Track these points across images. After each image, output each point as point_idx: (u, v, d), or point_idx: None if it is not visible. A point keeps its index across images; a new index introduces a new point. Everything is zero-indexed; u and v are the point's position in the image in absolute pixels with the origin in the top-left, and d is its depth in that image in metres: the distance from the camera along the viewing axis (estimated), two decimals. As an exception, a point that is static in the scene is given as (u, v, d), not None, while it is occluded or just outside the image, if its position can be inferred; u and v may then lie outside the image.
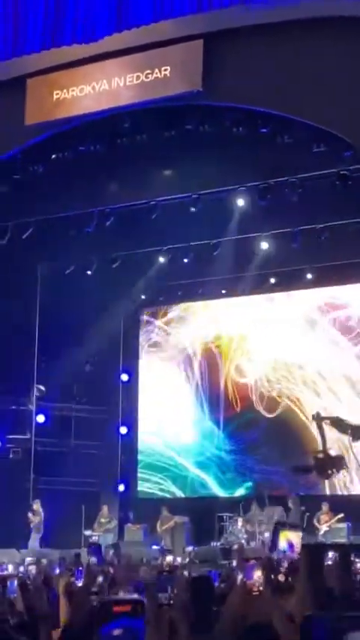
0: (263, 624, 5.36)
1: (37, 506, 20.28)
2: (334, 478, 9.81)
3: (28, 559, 14.65)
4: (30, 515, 20.15)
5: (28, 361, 22.07)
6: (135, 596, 5.98)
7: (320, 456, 10.46)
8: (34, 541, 20.06)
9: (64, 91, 16.84)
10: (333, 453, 10.51)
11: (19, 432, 21.71)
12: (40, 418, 22.28)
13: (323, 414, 12.00)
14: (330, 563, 6.36)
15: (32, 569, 10.76)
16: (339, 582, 5.71)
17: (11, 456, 21.40)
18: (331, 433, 11.21)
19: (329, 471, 10.31)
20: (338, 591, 5.62)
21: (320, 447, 10.66)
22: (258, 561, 7.96)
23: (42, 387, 21.70)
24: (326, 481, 19.37)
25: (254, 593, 6.83)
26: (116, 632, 2.24)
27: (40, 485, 21.59)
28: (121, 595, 6.72)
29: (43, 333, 22.18)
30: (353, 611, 4.82)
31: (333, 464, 10.26)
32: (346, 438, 10.90)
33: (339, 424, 11.07)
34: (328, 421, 11.18)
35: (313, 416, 11.38)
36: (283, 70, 15.28)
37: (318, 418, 11.13)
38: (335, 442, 11.69)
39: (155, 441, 23.53)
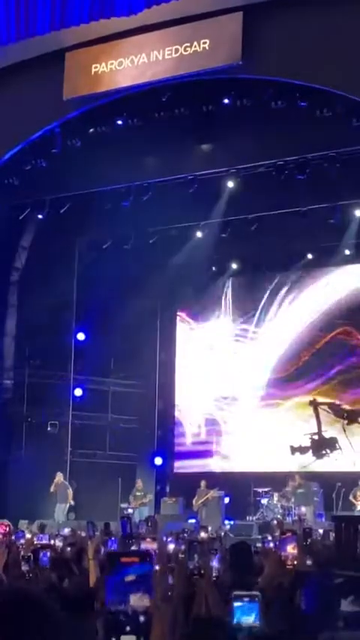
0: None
1: (58, 478, 20.43)
2: (327, 457, 10.48)
3: (66, 530, 14.78)
4: (52, 487, 20.34)
5: (67, 335, 22.21)
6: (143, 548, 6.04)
7: (315, 437, 10.98)
8: (60, 512, 20.24)
9: (103, 64, 16.81)
10: (327, 435, 11.05)
11: (57, 405, 21.88)
12: (78, 392, 22.45)
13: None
14: None
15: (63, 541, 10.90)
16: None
17: (49, 429, 21.59)
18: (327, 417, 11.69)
19: (323, 452, 10.84)
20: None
21: (316, 430, 11.21)
22: (293, 535, 8.00)
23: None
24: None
25: (288, 567, 6.86)
26: (129, 577, 2.27)
27: (76, 459, 21.78)
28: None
29: (80, 307, 22.29)
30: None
31: (327, 445, 10.78)
32: (341, 422, 11.41)
33: (334, 409, 11.62)
34: (325, 406, 11.75)
35: (310, 401, 11.90)
36: (323, 44, 15.11)
37: (314, 403, 11.68)
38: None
39: (192, 414, 23.58)
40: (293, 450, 15.32)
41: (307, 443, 10.81)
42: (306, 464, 19.40)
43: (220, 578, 5.97)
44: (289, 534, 8.60)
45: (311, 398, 13.21)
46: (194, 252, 21.96)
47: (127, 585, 2.36)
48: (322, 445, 10.42)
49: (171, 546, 8.78)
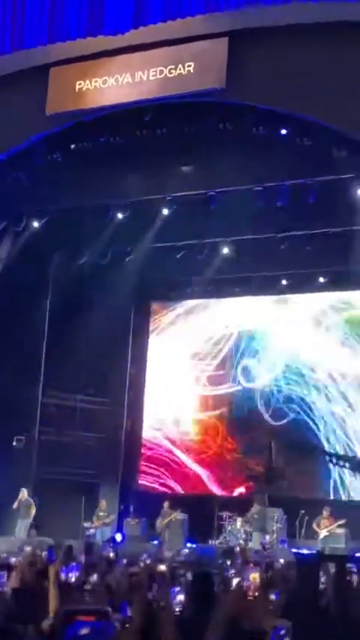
0: (257, 631, 5.35)
1: (22, 494, 20.23)
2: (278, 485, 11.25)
3: (27, 549, 14.65)
4: (15, 503, 20.13)
5: (37, 350, 22.06)
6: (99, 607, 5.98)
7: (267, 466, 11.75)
8: (21, 529, 20.03)
9: (87, 82, 16.80)
10: (278, 465, 11.88)
11: (24, 419, 21.70)
12: (45, 407, 22.28)
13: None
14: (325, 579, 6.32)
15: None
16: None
17: (15, 443, 21.40)
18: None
19: (273, 480, 11.72)
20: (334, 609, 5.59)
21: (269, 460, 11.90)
22: (255, 566, 7.98)
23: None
24: (330, 485, 20.19)
25: (249, 598, 6.81)
26: (83, 631, 2.23)
27: (42, 475, 21.61)
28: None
29: (53, 319, 22.17)
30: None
31: (277, 474, 11.58)
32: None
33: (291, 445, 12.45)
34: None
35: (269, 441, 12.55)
36: (307, 72, 15.19)
37: (269, 434, 12.31)
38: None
39: (158, 435, 23.54)
40: (249, 477, 16.26)
41: (261, 471, 11.18)
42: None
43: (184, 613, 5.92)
44: (251, 565, 8.58)
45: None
46: (170, 271, 22.02)
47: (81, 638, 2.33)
48: (272, 474, 10.93)
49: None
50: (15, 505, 20.12)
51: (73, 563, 9.31)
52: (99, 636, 2.14)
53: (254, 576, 8.78)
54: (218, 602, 6.45)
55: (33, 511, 20.23)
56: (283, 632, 5.54)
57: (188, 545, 19.28)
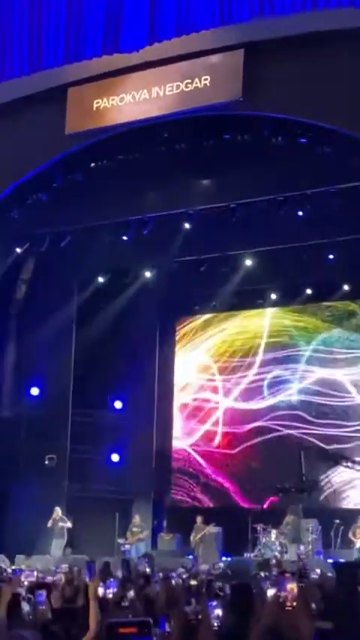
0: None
1: (56, 513, 20.25)
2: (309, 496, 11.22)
3: (64, 567, 14.66)
4: (50, 522, 20.16)
5: (65, 368, 22.15)
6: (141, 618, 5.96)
7: (300, 479, 11.66)
8: (56, 548, 20.05)
9: (105, 100, 16.90)
10: (310, 477, 11.81)
11: (55, 438, 21.76)
12: (76, 424, 22.32)
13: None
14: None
15: (62, 577, 10.80)
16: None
17: (47, 462, 21.46)
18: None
19: (305, 493, 11.64)
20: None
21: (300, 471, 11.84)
22: (292, 575, 7.92)
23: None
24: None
25: (287, 608, 6.77)
26: None
27: (74, 493, 21.63)
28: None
29: (79, 338, 22.26)
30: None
31: (309, 487, 11.52)
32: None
33: (322, 453, 12.28)
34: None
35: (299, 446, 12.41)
36: (323, 81, 15.20)
37: (302, 448, 12.20)
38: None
39: (188, 449, 23.51)
40: (277, 490, 16.09)
41: (291, 484, 11.13)
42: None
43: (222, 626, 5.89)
44: (287, 575, 8.51)
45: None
46: (195, 285, 22.05)
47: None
48: (304, 487, 10.91)
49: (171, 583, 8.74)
50: (49, 524, 20.14)
51: (111, 580, 9.31)
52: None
53: (291, 587, 8.70)
54: (257, 614, 6.42)
55: (67, 529, 20.24)
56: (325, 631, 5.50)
57: (223, 558, 19.19)
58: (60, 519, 20.20)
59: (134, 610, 7.53)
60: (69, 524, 20.21)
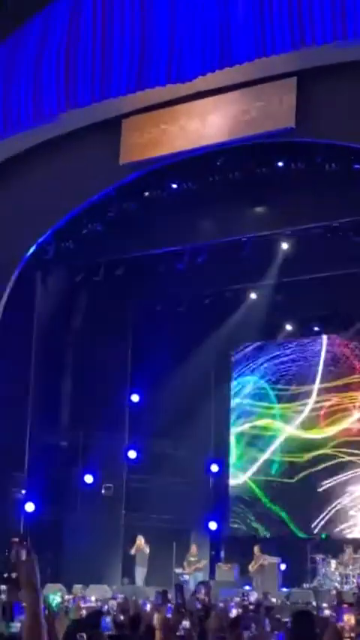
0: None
1: (140, 541, 20.27)
2: None
3: (120, 596, 14.62)
4: (133, 549, 20.15)
5: (121, 397, 22.22)
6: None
7: None
8: (140, 576, 20.07)
9: (158, 129, 17.02)
10: None
11: (112, 467, 21.79)
12: (132, 454, 22.34)
13: None
14: None
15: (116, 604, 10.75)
16: None
17: (104, 491, 21.48)
18: None
19: None
20: None
21: None
22: (350, 606, 7.80)
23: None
24: None
25: (346, 638, 6.67)
26: None
27: (131, 522, 21.60)
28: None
29: (135, 368, 22.34)
30: None
31: None
32: None
33: None
34: None
35: None
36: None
37: None
38: None
39: (245, 478, 23.33)
40: None
41: None
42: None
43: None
44: (346, 605, 8.38)
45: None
46: (249, 313, 21.99)
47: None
48: None
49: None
50: (133, 551, 20.18)
51: (168, 605, 9.26)
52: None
53: (348, 617, 8.60)
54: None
55: (147, 557, 20.27)
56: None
57: (283, 589, 18.96)
58: (143, 547, 20.21)
59: (191, 639, 7.45)
60: (148, 553, 20.23)
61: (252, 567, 19.92)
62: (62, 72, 16.41)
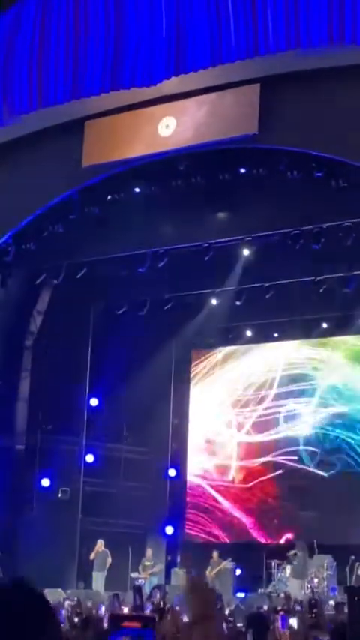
0: None
1: (99, 545, 20.22)
2: None
3: (75, 599, 14.55)
4: (92, 554, 20.10)
5: (80, 401, 22.13)
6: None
7: None
8: (99, 581, 19.98)
9: (121, 133, 17.02)
10: None
11: (69, 471, 21.68)
12: (90, 458, 22.26)
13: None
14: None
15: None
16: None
17: (60, 495, 21.37)
18: None
19: None
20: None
21: None
22: (293, 613, 7.85)
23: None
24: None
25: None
26: (124, 638, 2.22)
27: (87, 526, 21.50)
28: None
29: (94, 372, 22.26)
30: None
31: None
32: None
33: None
34: None
35: None
36: (339, 115, 15.27)
37: None
38: None
39: (202, 483, 23.36)
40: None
41: None
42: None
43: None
44: (295, 609, 8.41)
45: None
46: (209, 318, 22.05)
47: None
48: None
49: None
50: (92, 556, 20.12)
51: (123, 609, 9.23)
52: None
53: (292, 621, 8.69)
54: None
55: (109, 562, 20.17)
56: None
57: (238, 594, 19.00)
58: (103, 552, 20.14)
59: None
60: (110, 558, 20.17)
61: (209, 572, 19.94)
62: (34, 70, 16.37)
